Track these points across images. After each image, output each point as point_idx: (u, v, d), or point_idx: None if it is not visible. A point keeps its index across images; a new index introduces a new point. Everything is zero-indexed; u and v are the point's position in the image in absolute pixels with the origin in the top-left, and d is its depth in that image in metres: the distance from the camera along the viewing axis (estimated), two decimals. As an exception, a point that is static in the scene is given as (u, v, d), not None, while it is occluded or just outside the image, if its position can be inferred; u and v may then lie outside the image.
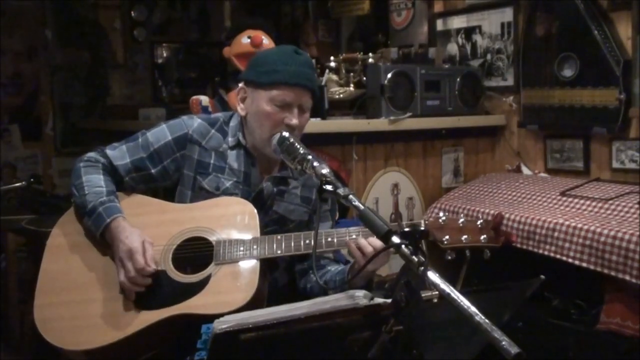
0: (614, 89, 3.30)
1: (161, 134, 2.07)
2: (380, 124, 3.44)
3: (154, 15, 5.32)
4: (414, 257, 1.37)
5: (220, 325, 1.31)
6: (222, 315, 1.37)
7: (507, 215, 3.06)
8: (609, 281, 2.75)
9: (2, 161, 4.56)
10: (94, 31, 5.00)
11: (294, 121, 1.98)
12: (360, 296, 1.39)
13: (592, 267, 2.73)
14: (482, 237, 1.87)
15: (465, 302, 1.27)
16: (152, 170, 2.06)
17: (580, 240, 2.76)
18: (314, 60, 2.16)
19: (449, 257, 1.85)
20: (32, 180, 3.27)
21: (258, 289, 1.83)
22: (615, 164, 3.42)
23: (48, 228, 2.05)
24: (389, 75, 3.45)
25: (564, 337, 2.86)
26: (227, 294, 1.82)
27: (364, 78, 3.56)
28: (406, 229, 1.44)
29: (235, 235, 1.92)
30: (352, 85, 3.58)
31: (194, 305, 1.82)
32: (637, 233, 2.61)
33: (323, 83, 3.41)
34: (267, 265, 1.95)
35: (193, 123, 2.08)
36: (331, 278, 2.05)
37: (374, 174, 3.55)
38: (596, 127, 3.42)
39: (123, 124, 3.88)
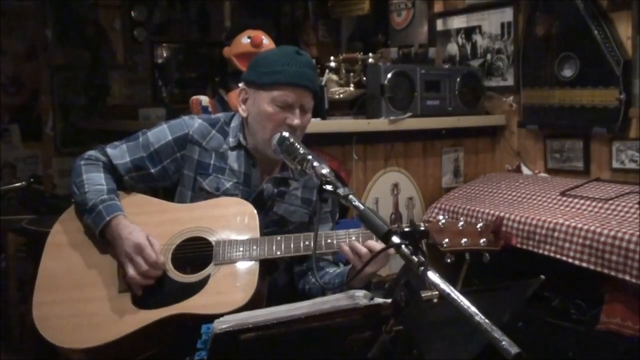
0: (614, 89, 3.30)
1: (162, 133, 2.07)
2: (380, 124, 3.44)
3: (154, 15, 5.32)
4: (414, 257, 1.37)
5: (220, 325, 1.31)
6: (221, 315, 1.37)
7: (507, 215, 3.06)
8: (609, 281, 2.75)
9: (2, 161, 4.56)
10: (94, 31, 5.00)
11: (296, 122, 1.98)
12: (360, 296, 1.39)
13: (592, 267, 2.73)
14: (481, 241, 1.87)
15: (465, 302, 1.26)
16: (152, 170, 2.06)
17: (580, 240, 2.76)
18: (314, 60, 2.16)
19: (449, 260, 1.85)
20: (32, 180, 3.27)
21: (257, 289, 1.83)
22: (615, 164, 3.42)
23: (48, 228, 2.05)
24: (389, 75, 3.45)
25: (564, 337, 2.86)
26: (226, 294, 1.82)
27: (364, 78, 3.56)
28: (406, 229, 1.44)
29: (235, 235, 1.92)
30: (352, 85, 3.58)
31: (193, 305, 1.82)
32: (637, 233, 2.61)
33: (323, 83, 3.41)
34: (267, 266, 1.95)
35: (194, 123, 2.08)
36: (330, 280, 2.05)
37: (374, 174, 3.55)
38: (596, 127, 3.42)
39: (123, 124, 3.88)
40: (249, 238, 1.91)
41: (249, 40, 2.98)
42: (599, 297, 2.82)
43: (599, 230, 2.72)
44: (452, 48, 4.15)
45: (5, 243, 3.65)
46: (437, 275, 1.33)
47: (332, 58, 3.65)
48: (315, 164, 1.71)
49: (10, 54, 4.63)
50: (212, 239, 1.92)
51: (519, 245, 2.96)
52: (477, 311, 1.24)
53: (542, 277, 1.57)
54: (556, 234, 2.85)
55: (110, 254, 1.93)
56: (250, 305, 1.78)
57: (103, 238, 1.94)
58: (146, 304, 1.85)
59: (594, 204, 2.97)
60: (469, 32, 4.07)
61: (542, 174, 3.70)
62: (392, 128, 3.47)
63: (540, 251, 2.91)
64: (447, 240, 1.85)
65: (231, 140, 2.09)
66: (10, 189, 3.26)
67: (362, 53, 3.70)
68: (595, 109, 3.40)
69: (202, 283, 1.85)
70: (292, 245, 1.90)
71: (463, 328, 1.42)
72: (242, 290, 1.83)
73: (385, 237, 1.43)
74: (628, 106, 3.28)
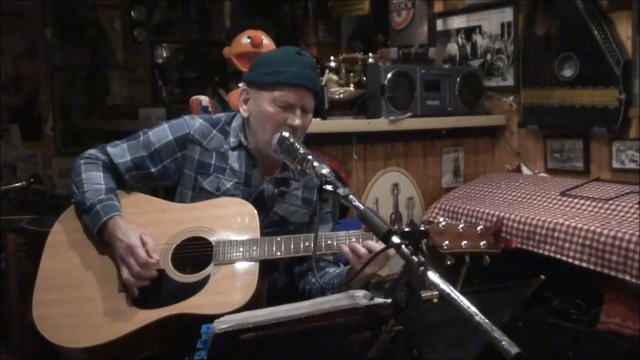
0: (614, 89, 3.30)
1: (162, 133, 2.07)
2: (380, 124, 3.44)
3: (154, 15, 5.32)
4: (413, 257, 1.37)
5: (220, 325, 1.31)
6: (220, 315, 1.37)
7: (507, 215, 3.06)
8: (609, 281, 2.75)
9: (2, 161, 4.56)
10: (94, 31, 5.00)
11: (297, 122, 1.98)
12: (360, 296, 1.39)
13: (592, 267, 2.73)
14: (481, 243, 1.87)
15: (465, 302, 1.26)
16: (152, 169, 2.06)
17: (580, 240, 2.76)
18: (314, 60, 2.16)
19: (449, 263, 1.86)
20: (32, 180, 3.27)
21: (257, 290, 1.83)
22: (615, 164, 3.42)
23: (48, 228, 2.05)
24: (389, 75, 3.45)
25: (564, 337, 2.86)
26: (226, 295, 1.82)
27: (364, 78, 3.56)
28: (406, 229, 1.44)
29: (235, 236, 1.92)
30: (352, 85, 3.58)
31: (192, 305, 1.82)
32: (637, 233, 2.61)
33: (323, 83, 3.41)
34: (267, 267, 1.95)
35: (194, 123, 2.08)
36: (329, 280, 2.05)
37: (374, 174, 3.55)
38: (596, 127, 3.42)
39: (123, 124, 3.88)
40: (249, 238, 1.91)
41: (249, 40, 2.98)
42: (599, 297, 2.82)
43: (599, 230, 2.72)
44: (452, 48, 4.15)
45: (5, 243, 3.65)
46: (437, 275, 1.33)
47: (332, 58, 3.64)
48: (315, 164, 1.71)
49: (10, 54, 4.63)
50: (212, 239, 1.92)
51: (519, 246, 2.96)
52: (477, 311, 1.24)
53: (542, 277, 1.57)
54: (556, 234, 2.85)
55: (110, 253, 1.93)
56: (250, 305, 1.78)
57: (101, 238, 1.94)
58: (146, 303, 1.85)
59: (594, 204, 2.97)
60: (469, 32, 4.07)
61: (542, 174, 3.70)
62: (392, 128, 3.47)
63: (540, 251, 2.91)
64: (447, 242, 1.85)
65: (232, 140, 2.09)
66: (10, 189, 3.26)
67: (362, 53, 3.70)
68: (595, 109, 3.40)
69: (202, 283, 1.85)
70: (292, 246, 1.90)
71: (463, 328, 1.42)
72: (242, 291, 1.83)
73: (385, 237, 1.43)
74: (628, 106, 3.28)
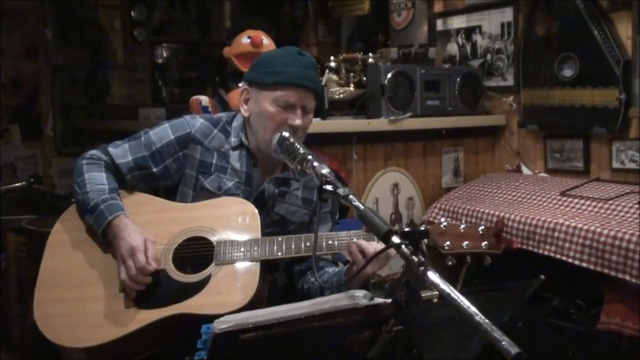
0: (614, 89, 3.30)
1: (164, 133, 2.07)
2: (380, 124, 3.44)
3: (154, 15, 5.32)
4: (413, 257, 1.37)
5: (220, 325, 1.31)
6: (221, 315, 1.37)
7: (507, 215, 3.06)
8: (609, 281, 2.75)
9: (2, 161, 4.56)
10: (94, 31, 4.99)
11: (298, 122, 1.98)
12: (360, 296, 1.39)
13: (592, 267, 2.73)
14: (483, 244, 1.87)
15: (465, 302, 1.27)
16: (154, 169, 2.06)
17: (580, 240, 2.76)
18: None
19: (450, 263, 1.86)
20: (32, 180, 3.27)
21: (258, 290, 1.83)
22: (615, 164, 3.42)
23: (48, 228, 2.05)
24: (389, 75, 3.45)
25: (564, 337, 2.86)
26: (227, 295, 1.82)
27: (364, 78, 3.56)
28: (406, 229, 1.44)
29: (236, 235, 1.92)
30: (352, 85, 3.58)
31: (193, 305, 1.82)
32: (637, 233, 2.61)
33: (323, 83, 3.41)
34: (267, 267, 1.95)
35: (196, 123, 2.08)
36: (328, 279, 2.05)
37: (374, 174, 3.55)
38: (596, 127, 3.42)
39: (123, 124, 3.88)
40: (250, 238, 1.91)
41: (249, 40, 2.98)
42: (599, 297, 2.82)
43: (599, 230, 2.72)
44: (452, 48, 4.15)
45: (5, 243, 3.65)
46: (437, 275, 1.33)
47: (332, 58, 3.64)
48: (315, 164, 1.71)
49: (10, 54, 4.63)
50: (213, 238, 1.92)
51: (519, 246, 2.96)
52: (477, 311, 1.24)
53: (542, 277, 1.57)
54: (556, 234, 2.85)
55: (111, 253, 1.93)
56: (251, 305, 1.78)
57: (105, 238, 1.94)
58: (147, 303, 1.85)
59: (594, 204, 2.97)
60: (469, 32, 4.07)
61: (542, 174, 3.70)
62: (392, 128, 3.47)
63: (540, 251, 2.91)
64: (448, 243, 1.86)
65: (233, 140, 2.09)
66: (10, 189, 3.26)
67: (362, 53, 3.70)
68: (595, 109, 3.40)
69: (203, 283, 1.85)
70: (293, 246, 1.90)
71: (463, 328, 1.42)
72: (243, 291, 1.83)
73: (385, 237, 1.43)
74: (628, 106, 3.28)
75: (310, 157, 1.75)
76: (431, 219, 3.37)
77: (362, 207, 1.52)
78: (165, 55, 5.51)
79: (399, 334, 1.36)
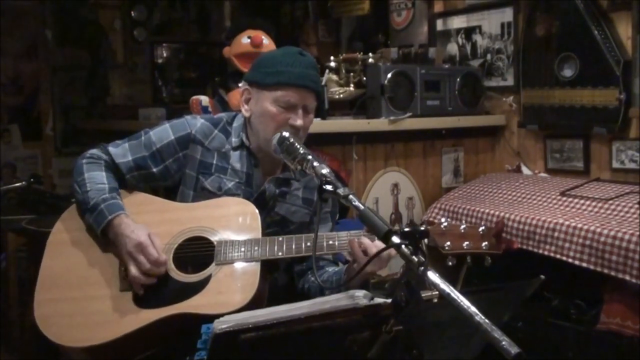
0: (614, 89, 3.30)
1: (164, 133, 2.07)
2: (380, 124, 3.44)
3: (154, 15, 5.31)
4: (413, 257, 1.37)
5: (220, 325, 1.31)
6: (221, 315, 1.37)
7: (507, 215, 3.06)
8: (609, 281, 2.75)
9: (2, 161, 4.56)
10: (94, 31, 5.00)
11: (299, 122, 1.98)
12: (360, 296, 1.39)
13: (592, 267, 2.73)
14: (483, 244, 1.87)
15: (465, 302, 1.27)
16: (154, 169, 2.06)
17: (580, 240, 2.76)
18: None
19: (450, 263, 1.86)
20: (32, 180, 3.27)
21: (258, 290, 1.83)
22: (615, 164, 3.42)
23: (48, 228, 2.05)
24: (389, 75, 3.45)
25: (564, 337, 2.86)
26: (227, 295, 1.82)
27: (364, 78, 3.56)
28: (406, 229, 1.44)
29: (237, 235, 1.92)
30: (352, 85, 3.58)
31: (193, 305, 1.82)
32: (637, 233, 2.61)
33: (323, 83, 3.41)
34: (268, 267, 1.95)
35: (196, 123, 2.08)
36: (328, 278, 2.06)
37: (374, 174, 3.55)
38: (596, 127, 3.42)
39: (123, 124, 3.88)
40: (251, 238, 1.91)
41: (249, 40, 2.98)
42: (599, 297, 2.82)
43: (599, 230, 2.72)
44: (452, 48, 4.15)
45: (5, 243, 3.65)
46: (437, 275, 1.33)
47: (332, 58, 3.64)
48: (315, 164, 1.71)
49: (10, 54, 4.63)
50: (214, 238, 1.92)
51: (519, 246, 2.96)
52: (477, 311, 1.24)
53: (542, 277, 1.57)
54: (556, 234, 2.85)
55: (112, 252, 1.93)
56: (251, 305, 1.78)
57: (105, 237, 1.94)
58: (147, 303, 1.85)
59: (594, 204, 2.97)
60: (469, 32, 4.07)
61: (542, 174, 3.70)
62: (392, 128, 3.47)
63: (540, 251, 2.91)
64: (448, 243, 1.86)
65: (234, 140, 2.09)
66: (10, 189, 3.26)
67: (362, 53, 3.70)
68: (595, 109, 3.40)
69: (203, 283, 1.86)
70: (293, 246, 1.90)
71: (463, 328, 1.42)
72: (243, 291, 1.83)
73: (385, 237, 1.43)
74: (628, 106, 3.28)
75: (310, 157, 1.75)
76: (431, 219, 3.37)
77: (362, 207, 1.52)
78: (165, 55, 5.51)
79: (399, 334, 1.36)
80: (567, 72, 3.51)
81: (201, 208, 2.01)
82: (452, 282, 1.32)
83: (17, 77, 4.68)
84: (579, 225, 2.79)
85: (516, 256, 2.87)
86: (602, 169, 3.49)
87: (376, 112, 3.46)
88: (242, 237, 1.91)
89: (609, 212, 2.89)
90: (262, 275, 1.87)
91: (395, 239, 1.41)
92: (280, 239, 1.91)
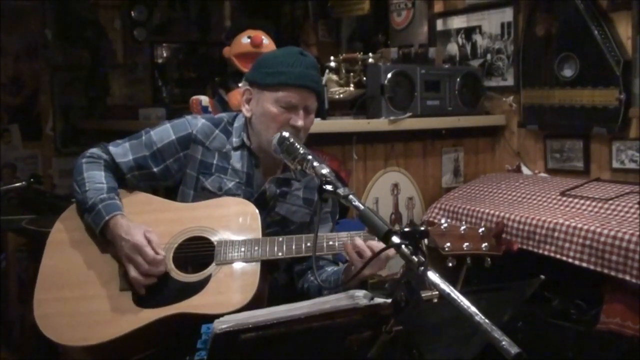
0: (614, 89, 3.30)
1: (165, 133, 2.07)
2: (380, 124, 3.44)
3: (154, 15, 5.31)
4: (413, 257, 1.37)
5: (220, 325, 1.31)
6: (221, 315, 1.37)
7: (507, 215, 3.06)
8: (609, 281, 2.75)
9: (2, 161, 4.56)
10: (94, 31, 4.99)
11: (300, 122, 1.99)
12: (360, 296, 1.39)
13: (592, 267, 2.73)
14: (483, 245, 1.87)
15: (465, 302, 1.27)
16: (154, 169, 2.06)
17: (580, 240, 2.76)
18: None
19: (450, 264, 1.86)
20: (32, 180, 3.27)
21: (258, 290, 1.83)
22: (615, 164, 3.42)
23: (48, 228, 2.05)
24: (389, 75, 3.45)
25: (564, 337, 2.86)
26: (227, 295, 1.83)
27: (364, 78, 3.56)
28: (406, 229, 1.44)
29: (237, 236, 1.92)
30: (352, 85, 3.58)
31: (193, 304, 1.82)
32: (637, 233, 2.61)
33: (323, 83, 3.41)
34: (268, 267, 1.95)
35: (197, 123, 2.08)
36: (327, 278, 2.06)
37: (374, 174, 3.55)
38: (596, 127, 3.42)
39: (123, 124, 3.88)
40: (251, 238, 1.91)
41: (249, 40, 2.98)
42: (599, 297, 2.82)
43: (599, 230, 2.72)
44: (452, 48, 4.15)
45: (5, 243, 3.65)
46: (437, 275, 1.33)
47: (332, 58, 3.64)
48: (315, 164, 1.71)
49: (10, 54, 4.63)
50: (214, 238, 1.92)
51: (519, 246, 2.96)
52: (477, 311, 1.24)
53: (542, 277, 1.57)
54: (556, 234, 2.85)
55: (112, 252, 1.93)
56: (251, 305, 1.78)
57: (104, 237, 1.94)
58: (147, 302, 1.86)
59: (594, 204, 2.97)
60: (469, 32, 4.07)
61: (542, 174, 3.70)
62: (392, 128, 3.47)
63: (540, 251, 2.91)
64: (448, 244, 1.86)
65: (235, 140, 2.09)
66: (10, 189, 3.26)
67: (362, 53, 3.70)
68: (595, 109, 3.40)
69: (203, 283, 1.86)
70: (293, 247, 1.90)
71: (463, 328, 1.42)
72: (243, 291, 1.83)
73: (385, 237, 1.43)
74: (628, 106, 3.28)
75: (310, 157, 1.75)
76: (431, 219, 3.37)
77: (362, 207, 1.52)
78: (165, 55, 5.50)
79: (399, 334, 1.36)
80: (567, 72, 3.51)
81: (201, 208, 2.01)
82: (452, 283, 1.32)
83: (17, 77, 4.68)
84: (579, 225, 2.79)
85: (516, 256, 2.87)
86: (602, 169, 3.49)
87: (376, 112, 3.46)
88: (242, 237, 1.91)
89: (609, 212, 2.89)
90: (262, 275, 1.87)
91: (395, 239, 1.41)
92: (280, 239, 1.91)
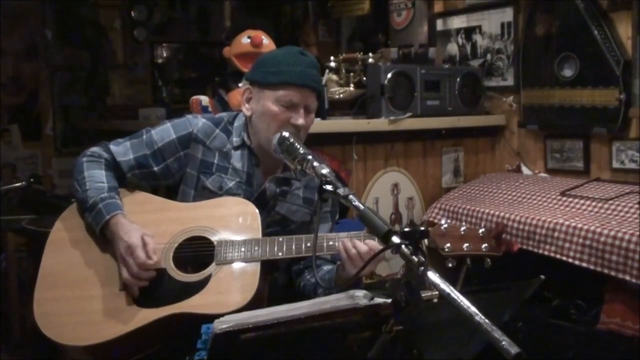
0: (614, 89, 3.30)
1: (165, 132, 2.07)
2: (380, 124, 3.44)
3: (154, 15, 5.32)
4: (414, 257, 1.37)
5: (220, 325, 1.31)
6: (221, 315, 1.37)
7: (507, 215, 3.06)
8: (609, 281, 2.75)
9: (2, 161, 4.56)
10: (94, 31, 5.00)
11: (300, 121, 1.99)
12: (360, 296, 1.39)
13: (592, 267, 2.73)
14: (483, 246, 1.87)
15: (465, 302, 1.26)
16: (155, 168, 2.06)
17: (580, 240, 2.76)
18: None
19: (450, 265, 1.86)
20: (32, 180, 3.27)
21: (258, 290, 1.83)
22: (615, 164, 3.42)
23: (48, 228, 2.05)
24: (389, 75, 3.45)
25: (564, 337, 2.86)
26: (227, 295, 1.82)
27: (364, 78, 3.56)
28: (406, 229, 1.44)
29: (237, 235, 1.92)
30: (352, 85, 3.58)
31: (193, 304, 1.82)
32: (637, 233, 2.61)
33: (323, 83, 3.41)
34: (268, 267, 1.95)
35: (198, 122, 2.09)
36: (322, 276, 2.05)
37: (374, 174, 3.55)
38: (596, 127, 3.42)
39: (123, 124, 3.88)
40: (251, 238, 1.91)
41: (249, 40, 2.98)
42: (599, 297, 2.82)
43: (599, 230, 2.72)
44: (452, 48, 4.15)
45: (5, 243, 3.65)
46: (437, 275, 1.33)
47: (332, 58, 3.64)
48: (315, 164, 1.71)
49: (10, 54, 4.63)
50: (214, 238, 1.92)
51: (519, 246, 2.96)
52: (477, 311, 1.24)
53: (542, 277, 1.57)
54: (556, 234, 2.85)
55: (111, 251, 1.93)
56: (251, 305, 1.78)
57: (104, 236, 1.94)
58: (147, 302, 1.85)
59: (594, 204, 2.97)
60: (469, 32, 4.07)
61: (542, 174, 3.70)
62: (392, 128, 3.47)
63: (540, 251, 2.91)
64: (448, 245, 1.86)
65: (235, 139, 2.09)
66: (10, 189, 3.26)
67: (362, 53, 3.70)
68: (595, 109, 3.40)
69: (203, 283, 1.85)
70: (293, 247, 1.90)
71: (463, 328, 1.42)
72: (243, 291, 1.83)
73: (385, 237, 1.43)
74: (628, 106, 3.28)
75: (310, 157, 1.75)
76: (431, 219, 3.37)
77: (362, 207, 1.52)
78: (165, 55, 5.51)
79: (399, 334, 1.36)
80: (567, 72, 3.51)
81: (201, 208, 2.01)
82: (452, 283, 1.32)
83: (17, 77, 4.69)
84: (579, 225, 2.79)
85: (516, 256, 2.88)
86: (602, 169, 3.49)
87: (376, 112, 3.46)
88: (242, 237, 1.91)
89: (609, 212, 2.89)
90: (262, 275, 1.87)
91: (396, 239, 1.41)
92: (280, 239, 1.91)
